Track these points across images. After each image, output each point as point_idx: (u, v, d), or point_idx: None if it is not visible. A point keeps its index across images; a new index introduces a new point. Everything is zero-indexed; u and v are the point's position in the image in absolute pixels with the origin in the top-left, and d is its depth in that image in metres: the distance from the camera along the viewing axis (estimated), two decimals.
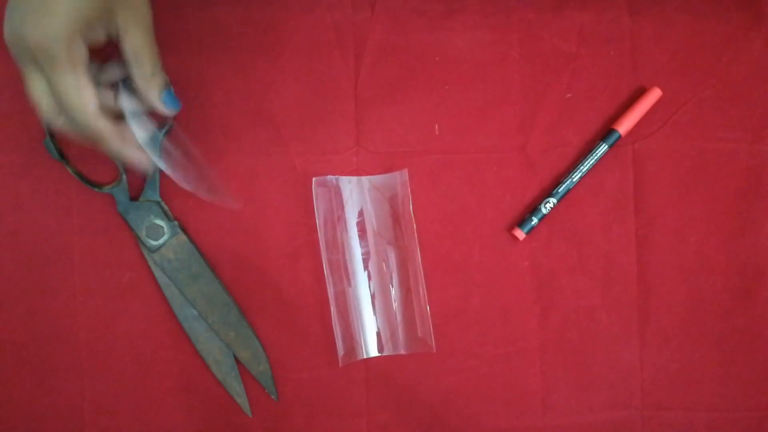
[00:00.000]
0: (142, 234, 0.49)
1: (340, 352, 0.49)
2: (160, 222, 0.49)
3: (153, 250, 0.49)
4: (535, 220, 0.50)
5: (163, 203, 0.50)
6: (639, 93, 0.51)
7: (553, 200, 0.50)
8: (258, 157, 0.50)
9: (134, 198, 0.50)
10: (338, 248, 0.50)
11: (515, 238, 0.51)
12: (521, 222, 0.51)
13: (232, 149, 0.50)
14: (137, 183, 0.50)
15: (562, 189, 0.50)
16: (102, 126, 0.41)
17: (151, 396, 0.50)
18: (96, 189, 0.49)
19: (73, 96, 0.40)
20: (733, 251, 0.52)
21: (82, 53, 0.40)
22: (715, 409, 0.52)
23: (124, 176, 0.49)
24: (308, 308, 0.51)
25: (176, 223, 0.50)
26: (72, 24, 0.38)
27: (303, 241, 0.50)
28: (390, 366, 0.51)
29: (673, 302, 0.51)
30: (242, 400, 0.50)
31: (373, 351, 0.50)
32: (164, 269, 0.50)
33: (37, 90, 0.41)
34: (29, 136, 0.50)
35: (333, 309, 0.49)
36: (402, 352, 0.50)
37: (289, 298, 0.51)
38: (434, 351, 0.50)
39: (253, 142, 0.50)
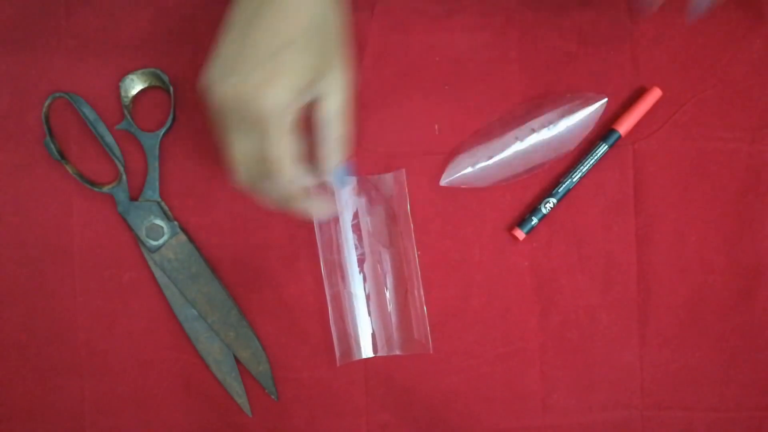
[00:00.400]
0: (142, 234, 0.49)
1: (337, 352, 0.49)
2: (160, 222, 0.49)
3: (153, 250, 0.49)
4: (535, 220, 0.50)
5: (163, 203, 0.50)
6: (639, 93, 0.51)
7: (553, 200, 0.50)
8: None
9: (134, 198, 0.50)
10: (334, 249, 0.50)
11: (515, 238, 0.51)
12: (521, 222, 0.51)
13: None
14: (137, 183, 0.50)
15: (562, 189, 0.50)
16: (300, 191, 0.40)
17: (151, 396, 0.50)
18: (96, 189, 0.49)
19: (283, 162, 0.37)
20: (733, 251, 0.52)
21: (295, 118, 0.38)
22: (715, 409, 0.52)
23: (124, 176, 0.49)
24: (308, 308, 0.51)
25: (176, 223, 0.50)
26: (298, 89, 0.36)
27: (303, 241, 0.50)
28: (390, 366, 0.51)
29: (673, 302, 0.51)
30: (242, 400, 0.50)
31: (367, 352, 0.50)
32: (164, 269, 0.50)
33: (240, 153, 0.38)
34: (29, 136, 0.50)
35: (330, 310, 0.50)
36: (397, 353, 0.50)
37: (289, 298, 0.51)
38: (431, 352, 0.50)
39: None
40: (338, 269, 0.50)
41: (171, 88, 0.49)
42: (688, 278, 0.51)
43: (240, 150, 0.38)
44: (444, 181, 0.50)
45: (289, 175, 0.38)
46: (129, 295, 0.50)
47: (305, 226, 0.50)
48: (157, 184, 0.50)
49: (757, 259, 0.52)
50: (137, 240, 0.50)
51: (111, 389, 0.50)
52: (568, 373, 0.51)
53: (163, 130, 0.49)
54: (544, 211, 0.50)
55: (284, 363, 0.50)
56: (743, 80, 0.52)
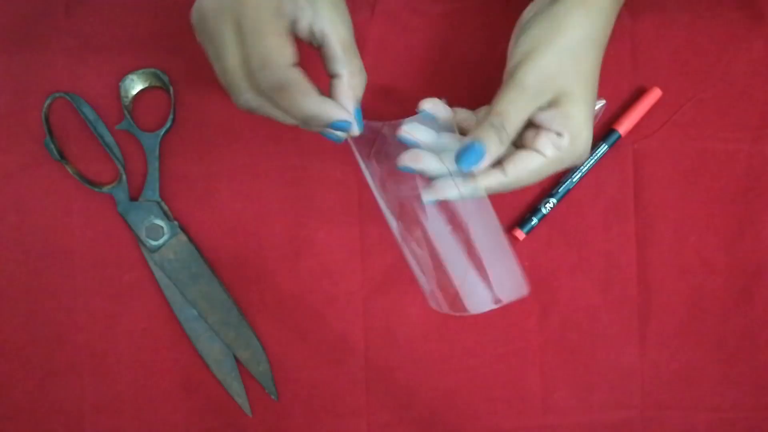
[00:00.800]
0: (142, 234, 0.49)
1: (437, 302, 0.43)
2: (160, 222, 0.49)
3: (153, 250, 0.49)
4: (535, 220, 0.50)
5: (163, 203, 0.50)
6: (639, 93, 0.51)
7: (553, 200, 0.50)
8: (258, 157, 0.50)
9: (134, 198, 0.50)
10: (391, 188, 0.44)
11: (515, 238, 0.51)
12: (521, 222, 0.51)
13: (232, 149, 0.50)
14: (137, 183, 0.50)
15: (561, 189, 0.50)
16: (298, 77, 0.37)
17: (151, 396, 0.50)
18: (96, 189, 0.49)
19: (272, 44, 0.37)
20: (733, 251, 0.52)
21: (292, 15, 0.37)
22: (715, 409, 0.52)
23: (124, 176, 0.49)
24: (308, 308, 0.51)
25: (176, 223, 0.50)
26: None
27: (303, 241, 0.50)
28: (390, 366, 0.51)
29: (673, 302, 0.51)
30: (242, 400, 0.50)
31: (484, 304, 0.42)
32: (164, 269, 0.50)
33: (233, 60, 0.37)
34: (29, 136, 0.50)
35: (412, 254, 0.43)
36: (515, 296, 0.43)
37: (289, 298, 0.51)
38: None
39: (253, 142, 0.50)
40: (408, 211, 0.44)
41: (171, 88, 0.49)
42: (688, 278, 0.51)
43: (231, 56, 0.37)
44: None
45: (282, 62, 0.37)
46: (129, 295, 0.50)
47: (305, 225, 0.50)
48: (157, 184, 0.50)
49: (757, 259, 0.52)
50: (137, 240, 0.50)
51: (111, 389, 0.50)
52: (568, 373, 0.51)
53: (163, 130, 0.49)
54: (544, 211, 0.50)
55: (284, 363, 0.50)
56: (743, 80, 0.52)
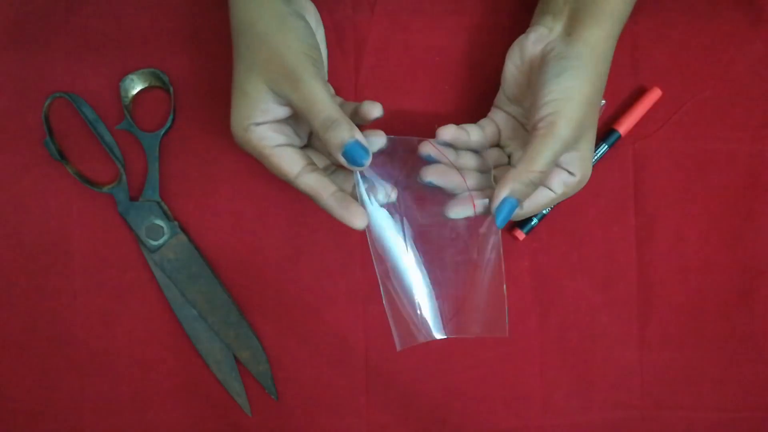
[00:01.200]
0: (142, 234, 0.49)
1: (396, 336, 0.43)
2: (160, 222, 0.49)
3: (153, 250, 0.49)
4: (535, 220, 0.50)
5: (163, 203, 0.50)
6: (639, 93, 0.51)
7: None
8: None
9: (134, 198, 0.50)
10: (383, 225, 0.45)
11: (515, 238, 0.51)
12: (521, 222, 0.50)
13: (232, 149, 0.50)
14: (137, 183, 0.50)
15: None
16: (309, 184, 0.42)
17: (151, 396, 0.50)
18: (96, 189, 0.49)
19: (278, 171, 0.42)
20: (733, 251, 0.52)
21: (265, 135, 0.42)
22: (715, 409, 0.52)
23: (124, 176, 0.49)
24: (308, 308, 0.51)
25: (176, 223, 0.50)
26: (247, 112, 0.41)
27: (303, 241, 0.50)
28: (390, 366, 0.51)
29: (673, 302, 0.51)
30: (242, 400, 0.50)
31: (431, 334, 0.44)
32: (164, 269, 0.50)
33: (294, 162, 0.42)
34: (29, 136, 0.50)
35: (383, 289, 0.44)
36: (470, 334, 0.44)
37: (289, 298, 0.51)
38: (507, 335, 0.44)
39: None
40: (387, 244, 0.45)
41: (171, 88, 0.49)
42: (688, 278, 0.51)
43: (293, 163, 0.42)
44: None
45: (297, 185, 0.41)
46: (129, 295, 0.50)
47: (305, 225, 0.50)
48: (157, 184, 0.50)
49: (757, 259, 0.52)
50: (137, 240, 0.50)
51: (111, 389, 0.50)
52: (568, 373, 0.51)
53: (163, 130, 0.49)
54: (544, 211, 0.50)
55: (284, 363, 0.50)
56: (743, 80, 0.52)
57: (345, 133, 0.39)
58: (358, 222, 0.41)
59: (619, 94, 0.52)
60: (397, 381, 0.51)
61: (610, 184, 0.51)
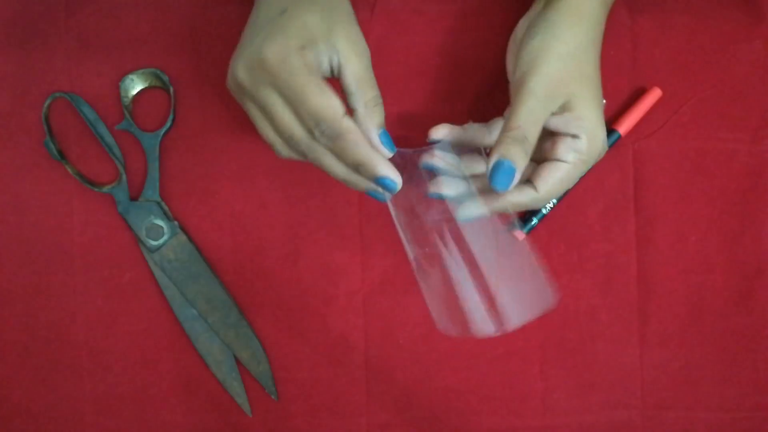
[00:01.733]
0: (142, 234, 0.49)
1: (441, 323, 0.43)
2: (160, 222, 0.49)
3: (153, 250, 0.49)
4: (535, 220, 0.50)
5: (163, 203, 0.50)
6: (639, 93, 0.51)
7: (553, 200, 0.50)
8: (258, 157, 0.50)
9: (134, 198, 0.50)
10: (415, 213, 0.44)
11: (515, 238, 0.51)
12: (521, 222, 0.50)
13: (232, 149, 0.50)
14: (137, 183, 0.50)
15: None
16: (352, 126, 0.39)
17: (151, 396, 0.50)
18: (96, 189, 0.49)
19: (320, 103, 0.38)
20: (733, 251, 0.52)
21: (318, 62, 0.39)
22: (715, 409, 0.52)
23: (124, 176, 0.49)
24: (308, 308, 0.51)
25: (176, 223, 0.50)
26: (303, 38, 0.38)
27: (303, 241, 0.50)
28: (390, 366, 0.51)
29: (673, 302, 0.51)
30: (242, 400, 0.50)
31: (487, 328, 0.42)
32: (164, 269, 0.50)
33: (285, 118, 0.39)
34: (29, 136, 0.50)
35: (422, 281, 0.44)
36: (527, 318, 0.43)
37: (289, 298, 0.51)
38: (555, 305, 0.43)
39: (253, 142, 0.50)
40: (423, 237, 0.44)
41: (171, 88, 0.49)
42: (688, 278, 0.51)
43: (282, 115, 0.39)
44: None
45: (332, 112, 0.38)
46: (129, 295, 0.50)
47: (305, 225, 0.50)
48: (157, 184, 0.50)
49: (757, 259, 0.52)
50: (137, 240, 0.50)
51: (111, 389, 0.50)
52: (568, 373, 0.51)
53: (163, 130, 0.49)
54: (544, 211, 0.50)
55: (284, 363, 0.50)
56: (743, 80, 0.52)
57: (383, 118, 0.41)
58: (392, 174, 0.40)
59: (619, 94, 0.51)
60: (397, 381, 0.51)
61: (610, 184, 0.51)
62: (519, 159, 0.40)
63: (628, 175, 0.51)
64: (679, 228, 0.51)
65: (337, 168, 0.40)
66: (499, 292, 0.43)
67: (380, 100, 0.41)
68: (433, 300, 0.44)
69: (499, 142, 0.40)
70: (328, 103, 0.38)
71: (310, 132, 0.39)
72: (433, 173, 0.44)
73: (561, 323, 0.51)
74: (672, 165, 0.51)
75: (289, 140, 0.40)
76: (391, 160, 0.41)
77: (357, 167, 0.39)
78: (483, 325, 0.43)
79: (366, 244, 0.51)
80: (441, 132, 0.44)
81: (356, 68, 0.40)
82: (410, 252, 0.44)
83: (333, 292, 0.51)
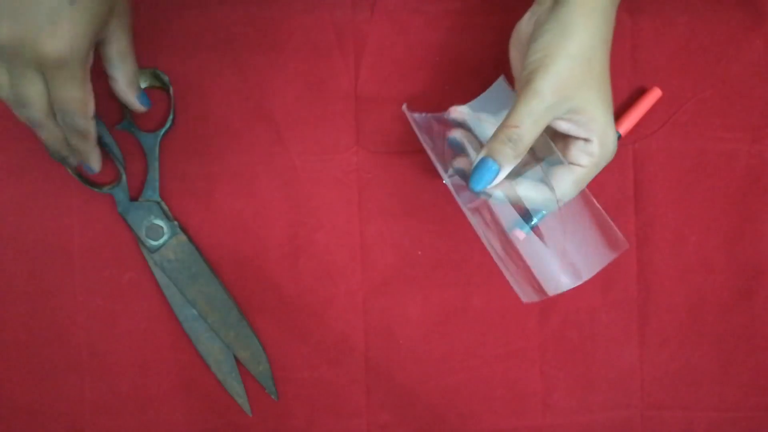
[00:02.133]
0: (142, 234, 0.49)
1: (520, 290, 0.43)
2: (160, 222, 0.49)
3: (153, 250, 0.49)
4: (535, 220, 0.50)
5: (163, 203, 0.50)
6: (639, 93, 0.51)
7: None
8: (258, 157, 0.50)
9: (134, 198, 0.50)
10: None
11: (516, 238, 0.51)
12: (521, 222, 0.50)
13: (232, 149, 0.50)
14: (137, 183, 0.50)
15: None
16: (93, 125, 0.42)
17: (151, 396, 0.50)
18: (96, 189, 0.49)
19: (78, 96, 0.40)
20: (733, 251, 0.52)
21: (90, 61, 0.40)
22: (715, 409, 0.52)
23: (124, 176, 0.49)
24: (308, 308, 0.51)
25: (176, 223, 0.50)
26: (92, 35, 0.38)
27: (303, 241, 0.50)
28: (390, 366, 0.51)
29: (673, 302, 0.51)
30: (242, 400, 0.50)
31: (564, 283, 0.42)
32: (164, 269, 0.50)
33: (32, 91, 0.39)
34: (29, 136, 0.50)
35: (497, 249, 0.44)
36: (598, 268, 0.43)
37: (289, 298, 0.51)
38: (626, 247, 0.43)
39: (253, 142, 0.50)
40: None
41: (171, 88, 0.49)
42: (688, 278, 0.51)
43: (31, 88, 0.39)
44: (445, 180, 0.50)
45: (84, 112, 0.41)
46: (129, 295, 0.50)
47: (305, 225, 0.50)
48: (157, 184, 0.50)
49: (757, 259, 0.52)
50: (137, 240, 0.50)
51: (111, 389, 0.50)
52: (568, 373, 0.51)
53: (163, 130, 0.49)
54: (544, 211, 0.50)
55: (284, 363, 0.50)
56: (743, 80, 0.52)
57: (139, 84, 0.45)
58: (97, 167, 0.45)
59: (619, 94, 0.51)
60: (397, 381, 0.51)
61: (610, 184, 0.51)
62: (506, 160, 0.39)
63: (628, 175, 0.51)
64: (679, 228, 0.51)
65: (54, 144, 0.43)
66: (568, 243, 0.43)
67: (137, 70, 0.44)
68: (504, 266, 0.43)
69: (492, 138, 0.40)
70: (86, 104, 0.41)
71: (52, 112, 0.41)
72: (456, 150, 0.44)
73: (561, 323, 0.51)
74: (672, 165, 0.51)
75: (22, 105, 0.40)
76: (425, 125, 0.41)
77: (76, 154, 0.44)
78: (563, 279, 0.42)
79: (366, 244, 0.51)
80: (460, 113, 0.44)
81: (121, 45, 0.42)
82: (471, 220, 0.43)
83: (333, 292, 0.51)
